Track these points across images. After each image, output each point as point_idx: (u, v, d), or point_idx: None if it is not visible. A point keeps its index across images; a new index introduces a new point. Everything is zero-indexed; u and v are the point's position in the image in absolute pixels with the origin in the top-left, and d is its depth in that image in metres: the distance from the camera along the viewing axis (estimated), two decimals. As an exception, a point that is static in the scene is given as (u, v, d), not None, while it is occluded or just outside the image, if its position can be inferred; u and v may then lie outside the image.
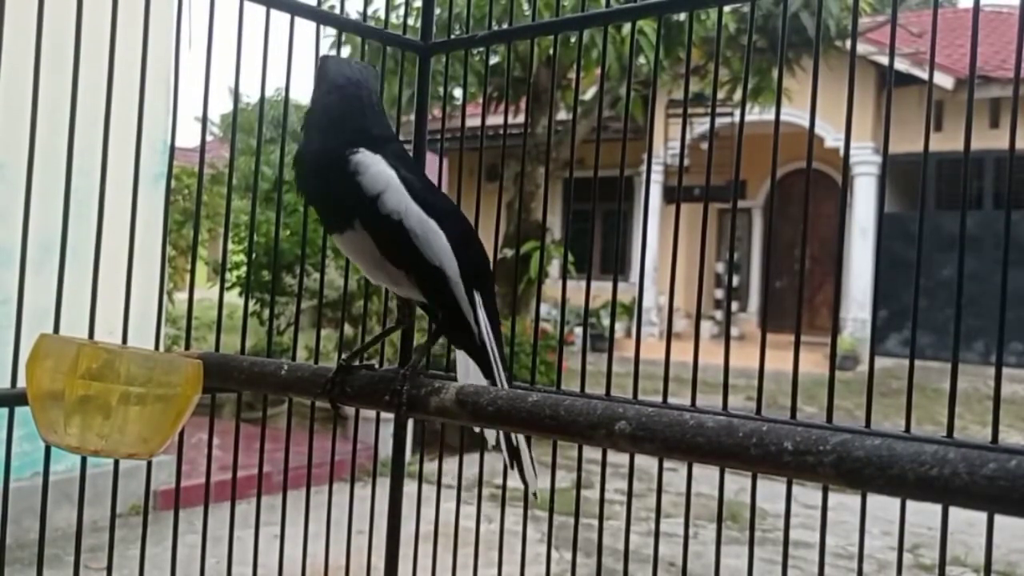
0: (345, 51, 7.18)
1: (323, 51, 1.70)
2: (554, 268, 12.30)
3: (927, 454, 0.75)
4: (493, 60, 6.74)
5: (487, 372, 1.20)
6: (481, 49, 1.94)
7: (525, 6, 4.46)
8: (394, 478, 1.81)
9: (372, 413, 1.58)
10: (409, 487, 1.78)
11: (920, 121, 1.36)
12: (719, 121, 1.54)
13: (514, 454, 1.20)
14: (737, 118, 1.44)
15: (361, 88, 1.16)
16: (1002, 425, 1.23)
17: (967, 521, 1.26)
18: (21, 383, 1.15)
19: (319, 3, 1.69)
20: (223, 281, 1.57)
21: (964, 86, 11.38)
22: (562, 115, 8.75)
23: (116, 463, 1.31)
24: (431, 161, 1.86)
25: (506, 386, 1.16)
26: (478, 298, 1.17)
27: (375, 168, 1.08)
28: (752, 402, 1.42)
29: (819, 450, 0.81)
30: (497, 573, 1.67)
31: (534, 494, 1.20)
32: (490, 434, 1.22)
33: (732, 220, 1.47)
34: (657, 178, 13.32)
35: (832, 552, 4.35)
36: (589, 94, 9.74)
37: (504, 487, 1.67)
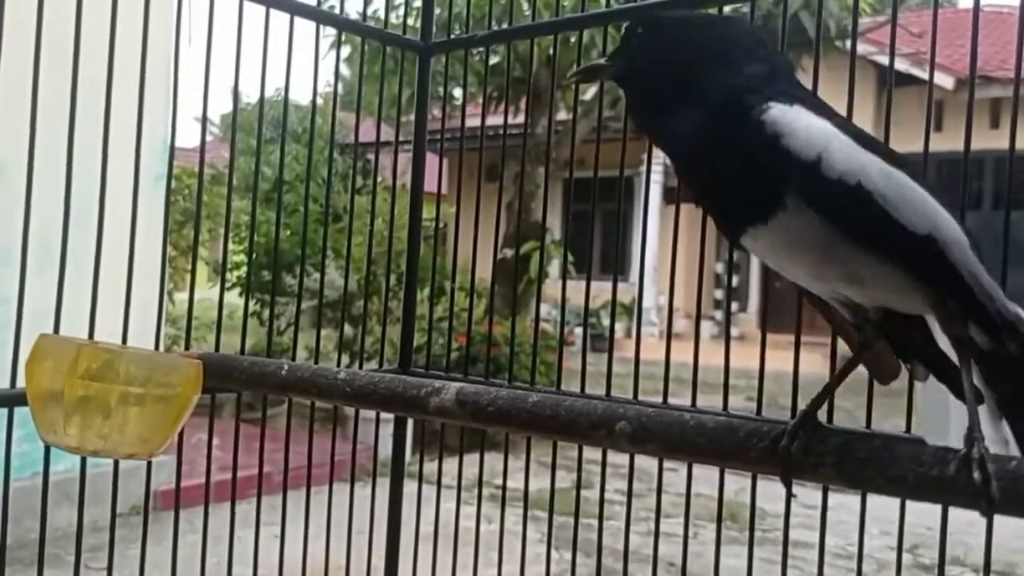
0: (345, 51, 7.19)
1: (323, 51, 1.70)
2: (554, 268, 12.29)
3: (927, 454, 0.75)
4: (493, 60, 6.74)
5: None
6: (481, 49, 1.94)
7: (525, 6, 4.46)
8: (394, 478, 1.81)
9: (371, 413, 1.57)
10: (409, 487, 1.78)
11: (920, 121, 1.36)
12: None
13: None
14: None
15: (731, 26, 0.91)
16: (1002, 425, 1.23)
17: (967, 521, 1.26)
18: (21, 383, 1.15)
19: (319, 3, 1.69)
20: (223, 281, 1.57)
21: (964, 86, 11.39)
22: (562, 115, 8.75)
23: (116, 463, 1.31)
24: (431, 161, 1.86)
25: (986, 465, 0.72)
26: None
27: (803, 121, 0.80)
28: (752, 402, 1.42)
29: (820, 450, 0.81)
30: (497, 573, 1.67)
31: None
32: None
33: (732, 220, 1.46)
34: (657, 178, 13.31)
35: (832, 552, 4.35)
36: (589, 94, 9.74)
37: (504, 487, 1.67)
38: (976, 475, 0.71)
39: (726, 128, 0.82)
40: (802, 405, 1.41)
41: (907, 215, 0.79)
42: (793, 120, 0.79)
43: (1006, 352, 0.79)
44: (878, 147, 0.83)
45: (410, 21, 6.46)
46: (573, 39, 5.49)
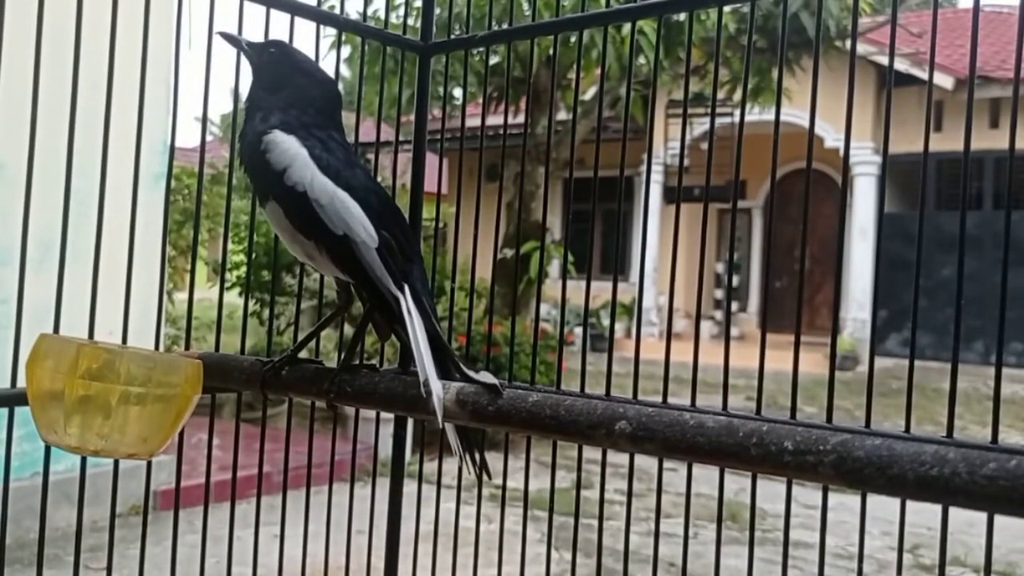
0: (345, 51, 7.19)
1: (323, 51, 1.70)
2: (554, 268, 12.30)
3: (927, 454, 0.75)
4: (493, 60, 6.74)
5: (439, 359, 1.13)
6: (481, 49, 1.93)
7: (525, 6, 4.46)
8: (394, 478, 1.81)
9: (372, 413, 1.58)
10: (409, 487, 1.78)
11: (920, 121, 1.36)
12: (719, 121, 1.53)
13: (469, 444, 1.22)
14: (737, 118, 1.44)
15: (309, 85, 1.27)
16: (1002, 425, 1.23)
17: (967, 521, 1.26)
18: (21, 383, 1.15)
19: (319, 3, 1.69)
20: (223, 281, 1.57)
21: (964, 86, 11.40)
22: (562, 115, 8.75)
23: (116, 463, 1.31)
24: (431, 161, 1.86)
25: (432, 385, 1.07)
26: (402, 275, 1.17)
27: (283, 146, 1.19)
28: (752, 402, 1.42)
29: (819, 450, 0.81)
30: (497, 573, 1.67)
31: (484, 474, 1.23)
32: (449, 430, 1.19)
33: (732, 220, 1.47)
34: (657, 178, 13.32)
35: (832, 552, 4.36)
36: (589, 94, 9.74)
37: (504, 487, 1.67)
38: (423, 391, 1.07)
39: (256, 137, 1.21)
40: (802, 404, 1.41)
41: (331, 218, 1.14)
42: (278, 143, 1.18)
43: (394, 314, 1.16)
44: (346, 175, 1.18)
45: (410, 21, 6.46)
46: (573, 39, 5.49)
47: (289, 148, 1.18)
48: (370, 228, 1.15)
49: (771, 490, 1.42)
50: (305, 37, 1.64)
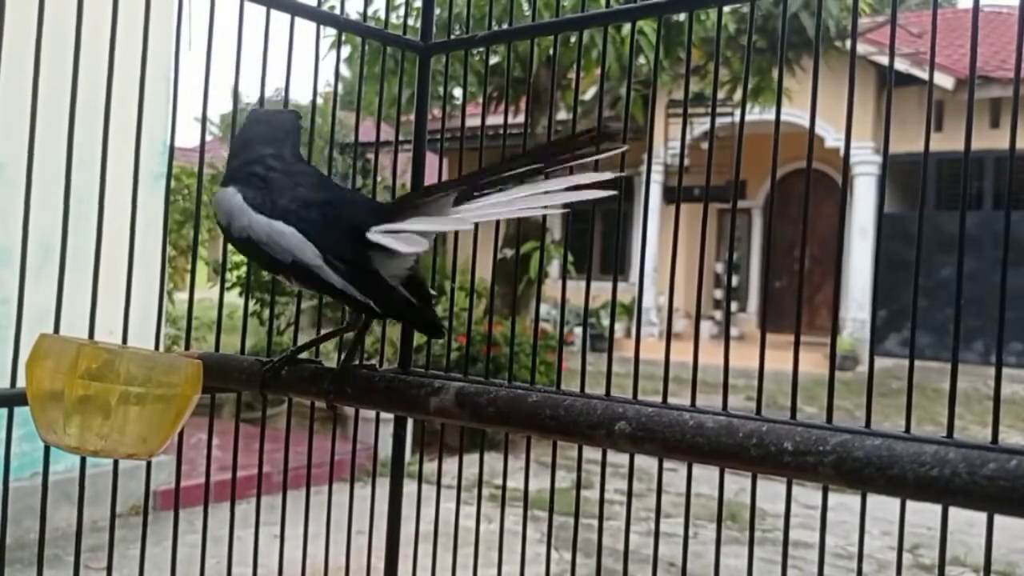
0: (345, 51, 7.18)
1: (323, 51, 1.70)
2: (554, 268, 12.30)
3: (927, 454, 0.75)
4: (493, 60, 6.74)
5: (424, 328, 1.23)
6: (481, 49, 1.93)
7: (525, 6, 4.46)
8: (394, 478, 1.81)
9: (372, 413, 1.58)
10: (409, 487, 1.78)
11: (920, 121, 1.36)
12: (719, 121, 1.53)
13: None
14: (737, 118, 1.44)
15: (251, 130, 1.30)
16: (1002, 425, 1.23)
17: (967, 521, 1.26)
18: (21, 383, 1.15)
19: (319, 3, 1.69)
20: (223, 281, 1.57)
21: (964, 86, 11.41)
22: (562, 115, 8.75)
23: (116, 463, 1.31)
24: (431, 161, 1.86)
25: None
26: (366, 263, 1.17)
27: (223, 202, 1.22)
28: (752, 402, 1.42)
29: (819, 450, 0.81)
30: (497, 573, 1.67)
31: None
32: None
33: (732, 220, 1.47)
34: (657, 178, 13.33)
35: (832, 552, 4.36)
36: (589, 94, 9.74)
37: (504, 487, 1.66)
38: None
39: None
40: (802, 404, 1.41)
41: (277, 251, 1.17)
42: (220, 200, 1.22)
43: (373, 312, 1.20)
44: (280, 202, 1.19)
45: (410, 21, 6.46)
46: (573, 39, 5.50)
47: (225, 200, 1.22)
48: (312, 248, 1.16)
49: (771, 490, 1.42)
50: (305, 37, 1.64)
